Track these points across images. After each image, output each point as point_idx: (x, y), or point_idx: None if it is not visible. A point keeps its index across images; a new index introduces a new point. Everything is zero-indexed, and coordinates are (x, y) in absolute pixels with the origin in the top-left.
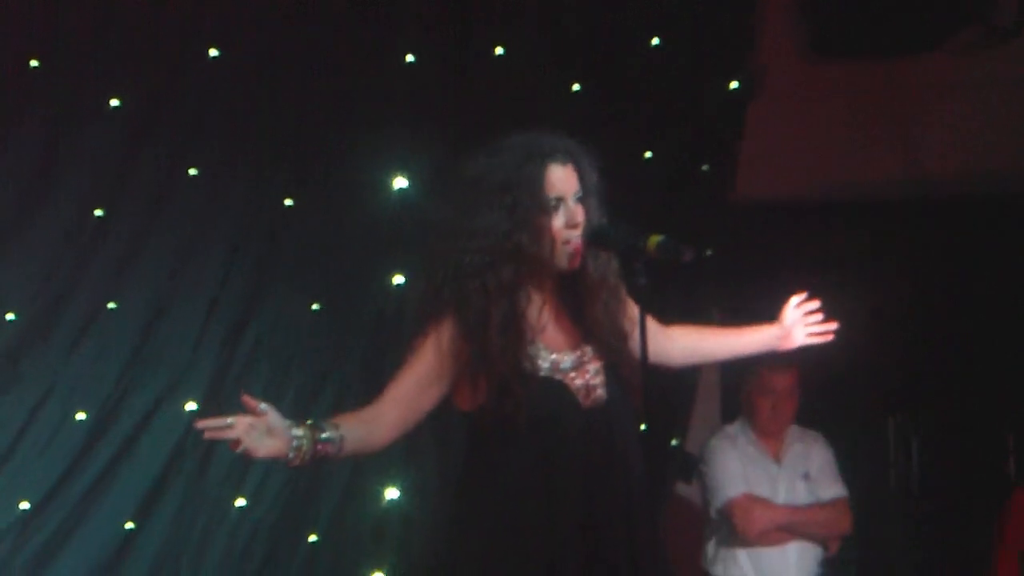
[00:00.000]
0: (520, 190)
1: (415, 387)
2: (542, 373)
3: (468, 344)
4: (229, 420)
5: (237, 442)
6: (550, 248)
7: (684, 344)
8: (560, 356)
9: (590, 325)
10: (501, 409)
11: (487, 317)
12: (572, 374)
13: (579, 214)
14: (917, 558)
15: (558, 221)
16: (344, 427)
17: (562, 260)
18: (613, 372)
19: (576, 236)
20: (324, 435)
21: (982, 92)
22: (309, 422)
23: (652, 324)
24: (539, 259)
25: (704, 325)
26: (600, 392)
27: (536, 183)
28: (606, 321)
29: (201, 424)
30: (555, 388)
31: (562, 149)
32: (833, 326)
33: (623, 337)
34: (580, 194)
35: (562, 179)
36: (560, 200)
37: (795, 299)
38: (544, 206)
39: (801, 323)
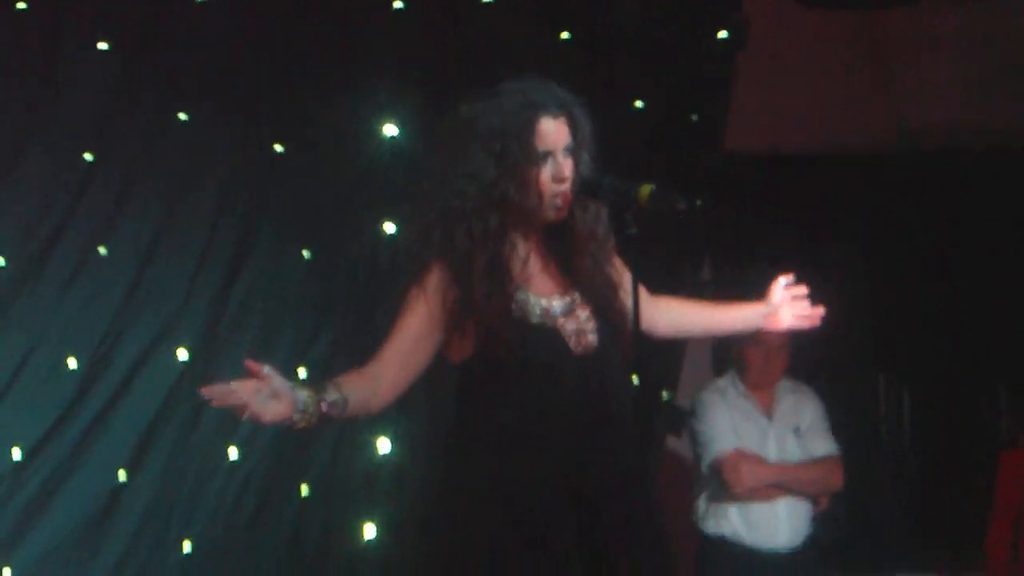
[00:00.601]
0: (510, 139)
1: (411, 341)
2: (534, 320)
3: (454, 290)
4: (233, 385)
5: (243, 408)
6: (536, 199)
7: (669, 316)
8: (550, 301)
9: (577, 274)
10: (491, 356)
11: (471, 262)
12: (562, 319)
13: (567, 168)
14: (909, 514)
15: (546, 173)
16: (346, 387)
17: (549, 212)
18: (603, 319)
19: (563, 189)
20: (329, 398)
21: (968, 45)
22: (312, 384)
23: (641, 289)
24: (525, 209)
25: (692, 295)
26: (591, 338)
27: (526, 134)
28: (594, 270)
29: (205, 391)
30: (547, 334)
31: (556, 101)
32: (820, 311)
33: (612, 286)
34: (571, 147)
35: (553, 132)
36: (549, 153)
37: (783, 279)
38: (533, 157)
39: (788, 305)
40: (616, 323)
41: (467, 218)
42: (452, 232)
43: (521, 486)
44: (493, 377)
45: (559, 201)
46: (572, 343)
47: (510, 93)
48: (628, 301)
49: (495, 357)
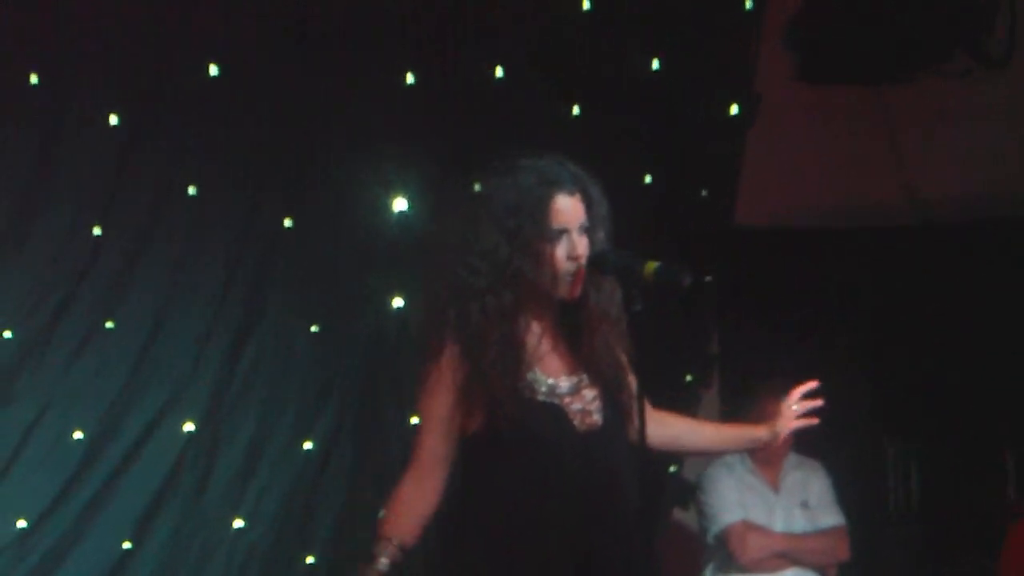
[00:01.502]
0: (524, 216)
1: (442, 431)
2: (539, 398)
3: (466, 366)
4: None
5: None
6: (551, 277)
7: (669, 431)
8: (557, 381)
9: (587, 354)
10: (495, 431)
11: (485, 340)
12: (568, 398)
13: (581, 246)
14: None
15: (560, 251)
16: (399, 537)
17: (563, 289)
18: (610, 398)
19: (577, 268)
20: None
21: (977, 118)
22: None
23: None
24: (539, 287)
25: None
26: (596, 417)
27: (542, 211)
28: (604, 351)
29: None
30: (551, 411)
31: (571, 178)
32: (817, 404)
33: (621, 367)
34: (586, 225)
35: (568, 209)
36: (564, 231)
37: (794, 402)
38: (547, 235)
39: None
40: (622, 403)
41: (481, 296)
42: (466, 310)
43: (523, 560)
44: (497, 452)
45: (572, 279)
46: (576, 421)
47: (525, 170)
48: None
49: (499, 432)
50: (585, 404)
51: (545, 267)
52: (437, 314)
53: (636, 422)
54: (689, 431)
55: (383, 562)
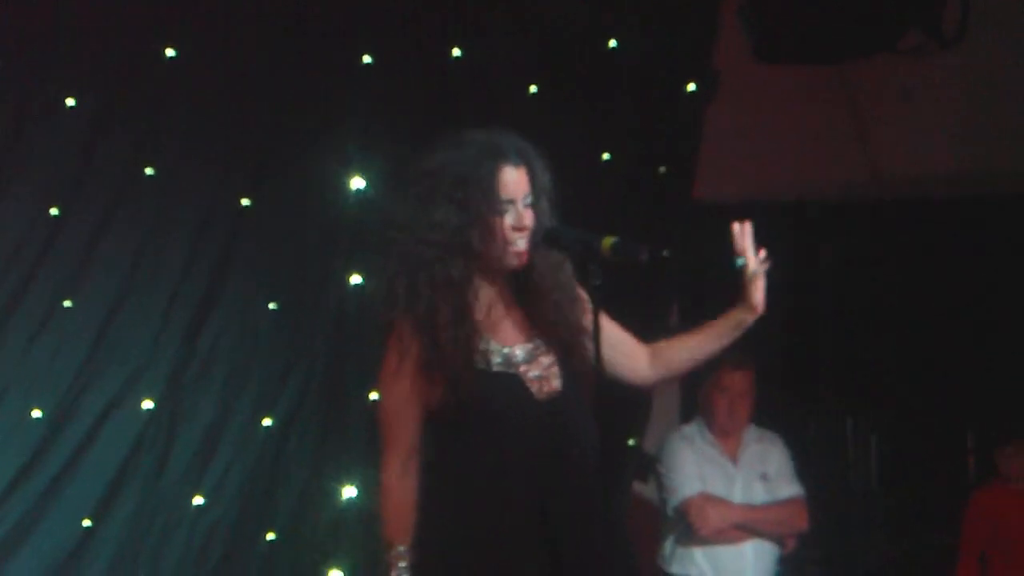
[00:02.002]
0: (472, 187)
1: (411, 425)
2: (495, 368)
3: (419, 340)
4: None
5: None
6: (500, 247)
7: (663, 356)
8: (512, 349)
9: (541, 321)
10: (455, 404)
11: (436, 311)
12: (524, 366)
13: (527, 218)
14: (879, 557)
15: (507, 222)
16: (403, 538)
17: (510, 259)
18: (567, 365)
19: (522, 239)
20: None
21: (931, 96)
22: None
23: (630, 342)
24: (488, 257)
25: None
26: (555, 384)
27: (489, 182)
28: (557, 317)
29: None
30: (509, 381)
31: (516, 151)
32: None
33: (576, 332)
34: (530, 198)
35: (514, 181)
36: (510, 202)
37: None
38: (495, 206)
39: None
40: (580, 369)
41: (430, 266)
42: (416, 282)
43: (487, 531)
44: (458, 424)
45: (520, 248)
46: (535, 388)
47: (472, 143)
48: (611, 330)
49: (458, 406)
50: (543, 370)
51: (495, 237)
52: (389, 289)
53: (593, 386)
54: (679, 351)
55: (402, 570)
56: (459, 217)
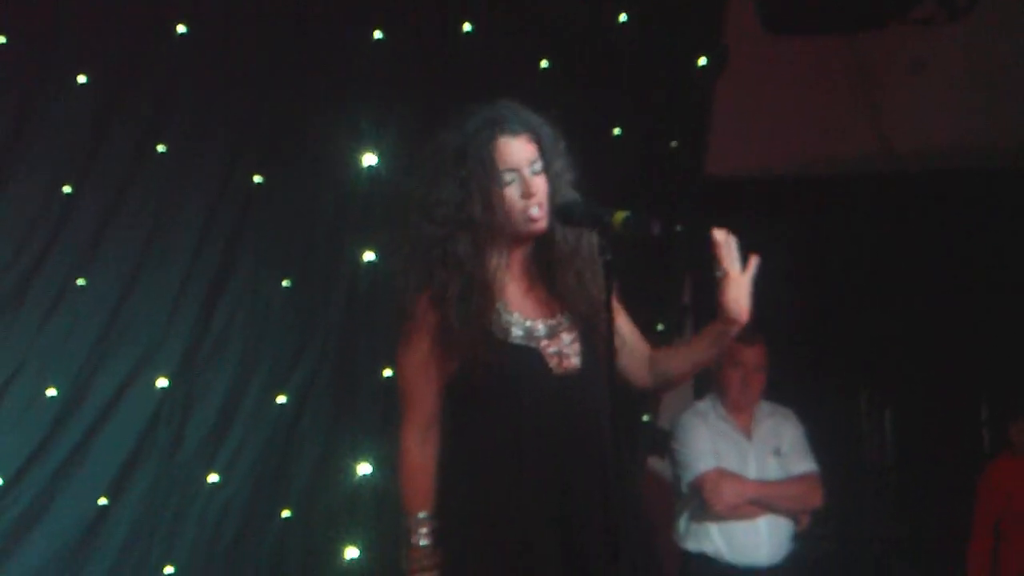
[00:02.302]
0: (471, 160)
1: (430, 396)
2: (514, 340)
3: (436, 315)
4: None
5: None
6: (504, 217)
7: (660, 365)
8: (535, 323)
9: (562, 293)
10: (472, 377)
11: (445, 287)
12: (545, 341)
13: (535, 184)
14: (893, 531)
15: (513, 192)
16: (423, 507)
17: (521, 227)
18: (589, 342)
19: (533, 205)
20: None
21: (942, 67)
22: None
23: (639, 345)
24: (493, 228)
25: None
26: (574, 360)
27: (487, 153)
28: (579, 290)
29: None
30: (526, 354)
31: (515, 120)
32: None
33: (597, 307)
34: (540, 166)
35: (515, 150)
36: (515, 171)
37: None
38: (494, 177)
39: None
40: (599, 345)
41: (441, 244)
42: (429, 259)
43: (503, 505)
44: (476, 398)
45: (534, 215)
46: (553, 363)
47: (472, 116)
48: (622, 325)
49: (476, 378)
50: (562, 347)
51: (496, 208)
52: (406, 269)
53: (611, 363)
54: (674, 361)
55: (422, 536)
56: (461, 192)
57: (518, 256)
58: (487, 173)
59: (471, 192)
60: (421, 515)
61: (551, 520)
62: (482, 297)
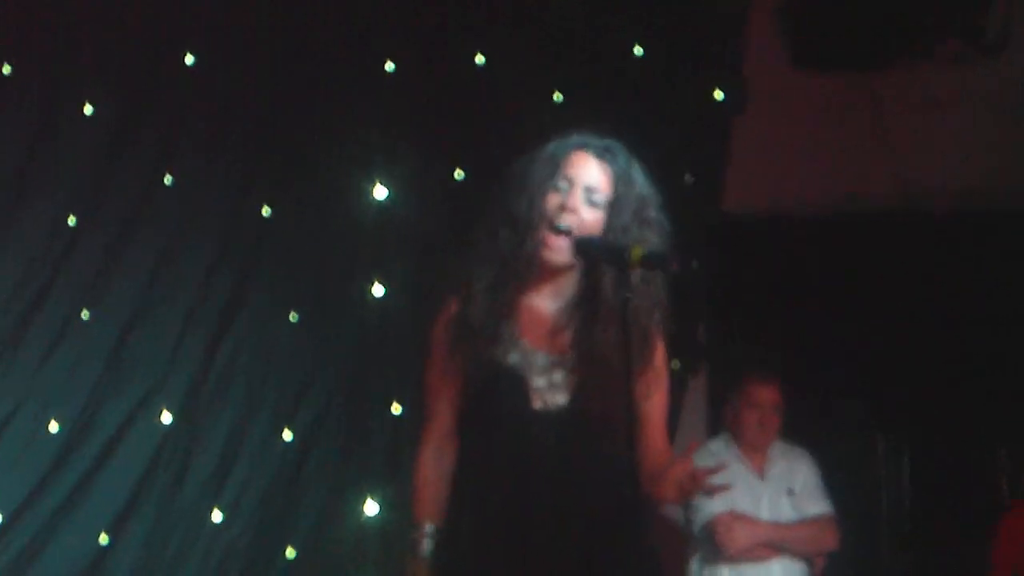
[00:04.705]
0: (539, 164)
1: (448, 405)
2: (507, 362)
3: (458, 323)
4: None
5: None
6: (538, 219)
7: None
8: (535, 353)
9: (580, 339)
10: (464, 400)
11: (477, 280)
12: (535, 374)
13: (580, 206)
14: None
15: (556, 199)
16: (431, 518)
17: (541, 246)
18: (585, 388)
19: (562, 221)
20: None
21: (968, 106)
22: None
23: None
24: (529, 227)
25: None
26: (559, 399)
27: (558, 157)
28: (600, 345)
29: None
30: (511, 380)
31: (604, 149)
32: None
33: (612, 365)
34: (601, 199)
35: (584, 167)
36: (571, 183)
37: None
38: (550, 174)
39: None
40: (596, 394)
41: (483, 238)
42: (469, 255)
43: (468, 530)
44: (465, 412)
45: (555, 230)
46: (535, 397)
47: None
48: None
49: (467, 392)
50: (551, 383)
51: (536, 209)
52: (452, 280)
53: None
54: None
55: (425, 547)
56: (520, 190)
57: (551, 284)
58: (547, 171)
59: (527, 186)
60: (427, 527)
61: (509, 556)
62: (507, 295)
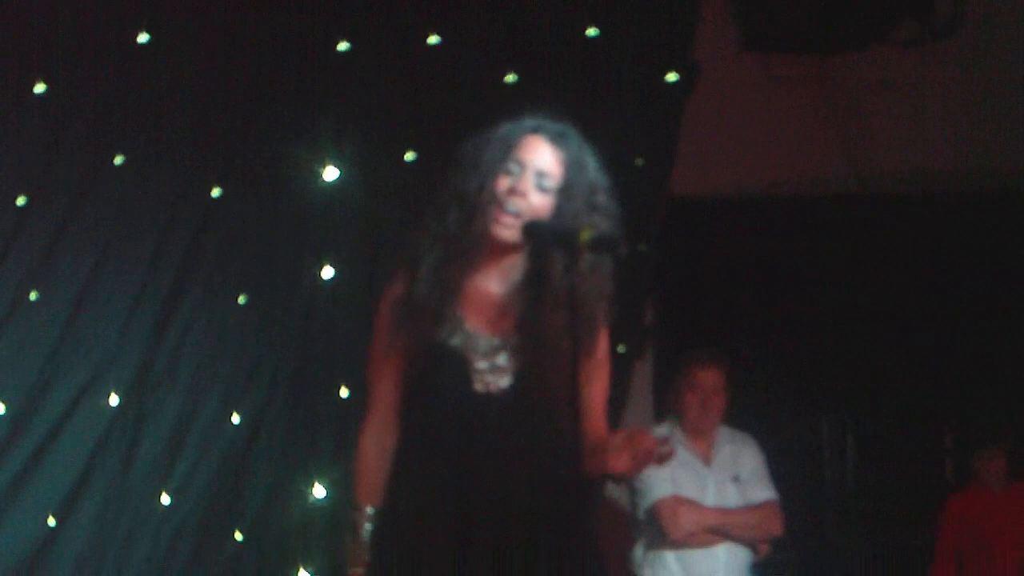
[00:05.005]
0: (493, 144)
1: (391, 386)
2: (449, 344)
3: (402, 304)
4: None
5: None
6: (488, 200)
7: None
8: (477, 336)
9: (525, 322)
10: (407, 381)
11: (423, 258)
12: (479, 356)
13: (530, 191)
14: (855, 559)
15: (506, 182)
16: (372, 500)
17: (493, 227)
18: (529, 371)
19: (511, 203)
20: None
21: (920, 89)
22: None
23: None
24: (476, 208)
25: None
26: (502, 383)
27: (511, 140)
28: (545, 329)
29: None
30: (452, 362)
31: (557, 134)
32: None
33: (557, 348)
34: (551, 185)
35: (536, 152)
36: (522, 167)
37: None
38: (502, 158)
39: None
40: (548, 380)
41: (432, 215)
42: (417, 232)
43: (407, 512)
44: (409, 394)
45: (504, 210)
46: (476, 379)
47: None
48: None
49: (408, 372)
50: (495, 366)
51: (485, 188)
52: (399, 258)
53: (558, 394)
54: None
55: (365, 530)
56: (471, 170)
57: (497, 266)
58: (499, 153)
59: (478, 167)
60: (369, 510)
61: (449, 538)
62: (452, 275)
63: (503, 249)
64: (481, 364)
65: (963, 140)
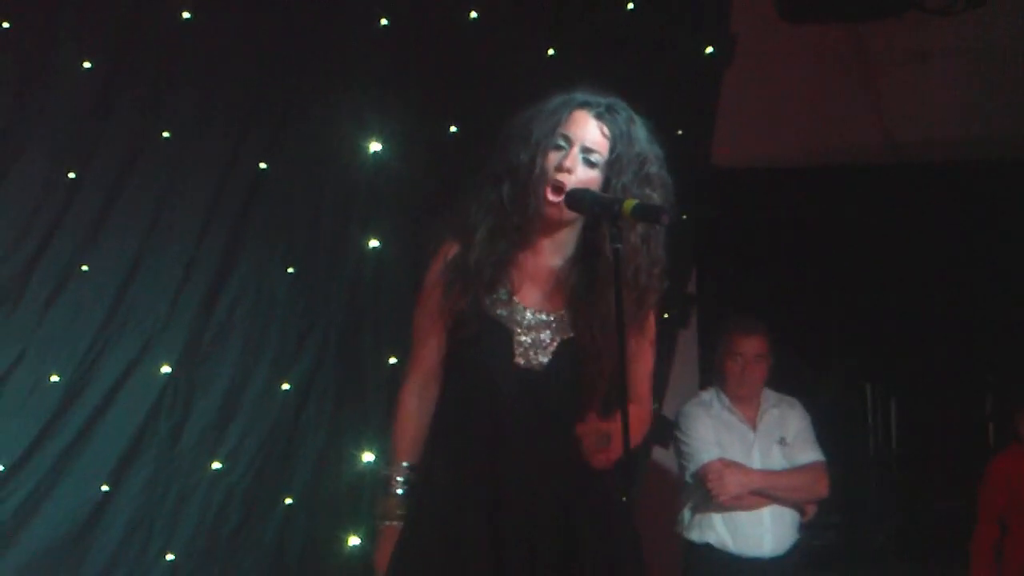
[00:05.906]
0: (542, 119)
1: (434, 347)
2: (495, 315)
3: (454, 267)
4: None
5: None
6: (539, 176)
7: None
8: (524, 309)
9: (574, 301)
10: (450, 344)
11: (476, 229)
12: (522, 330)
13: (577, 165)
14: (898, 521)
15: (555, 157)
16: (409, 457)
17: (538, 197)
18: (571, 348)
19: (560, 179)
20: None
21: (955, 57)
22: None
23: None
24: (527, 184)
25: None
26: (542, 358)
27: (559, 116)
28: (596, 310)
29: None
30: (497, 332)
31: (605, 107)
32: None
33: (606, 329)
34: (598, 160)
35: (583, 126)
36: (570, 141)
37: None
38: (550, 133)
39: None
40: (581, 358)
41: (484, 188)
42: (468, 204)
43: (441, 475)
44: (451, 359)
45: (553, 185)
46: (519, 352)
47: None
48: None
49: (454, 338)
50: (538, 341)
51: (535, 163)
52: (452, 225)
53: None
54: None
55: (398, 483)
56: (521, 144)
57: (551, 240)
58: (547, 128)
59: (528, 141)
60: (404, 464)
61: (480, 506)
62: (506, 246)
63: (555, 224)
64: (524, 338)
65: (996, 108)
